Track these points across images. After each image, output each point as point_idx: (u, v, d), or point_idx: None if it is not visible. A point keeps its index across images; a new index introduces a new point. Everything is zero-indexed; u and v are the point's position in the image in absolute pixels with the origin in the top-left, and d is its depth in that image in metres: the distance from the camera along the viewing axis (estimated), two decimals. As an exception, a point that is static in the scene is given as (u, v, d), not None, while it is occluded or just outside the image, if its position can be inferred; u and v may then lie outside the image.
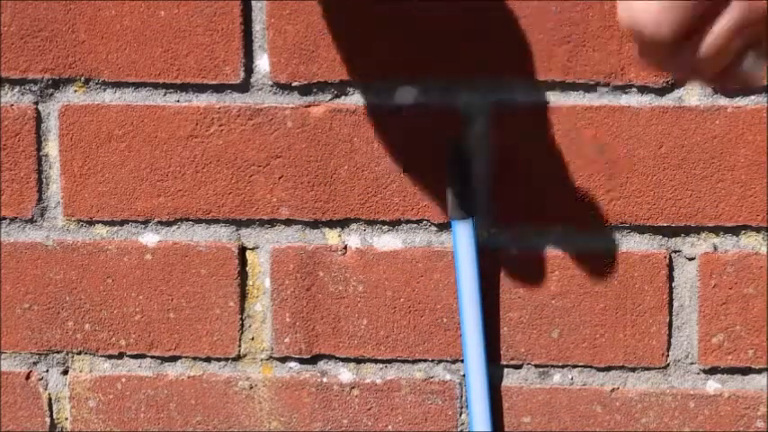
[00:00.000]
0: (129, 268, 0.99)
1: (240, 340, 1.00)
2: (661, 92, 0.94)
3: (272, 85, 0.95)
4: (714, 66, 0.68)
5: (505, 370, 0.98)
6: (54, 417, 1.02)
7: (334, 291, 0.98)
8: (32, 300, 1.00)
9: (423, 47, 0.94)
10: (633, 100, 0.94)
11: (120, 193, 0.98)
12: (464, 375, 0.99)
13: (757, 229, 0.95)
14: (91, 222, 0.99)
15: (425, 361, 0.99)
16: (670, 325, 0.97)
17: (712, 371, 0.98)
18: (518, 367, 0.98)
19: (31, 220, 0.99)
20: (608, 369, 0.98)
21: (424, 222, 0.96)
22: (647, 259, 0.96)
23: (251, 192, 0.97)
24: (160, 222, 0.98)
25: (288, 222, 0.98)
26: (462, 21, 0.93)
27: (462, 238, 0.93)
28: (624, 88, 0.94)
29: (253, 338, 1.00)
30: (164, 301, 0.99)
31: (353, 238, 0.98)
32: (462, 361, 0.98)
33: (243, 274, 0.99)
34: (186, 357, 1.00)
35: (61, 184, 0.98)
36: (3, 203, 0.99)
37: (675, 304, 0.97)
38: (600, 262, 0.96)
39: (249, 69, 0.95)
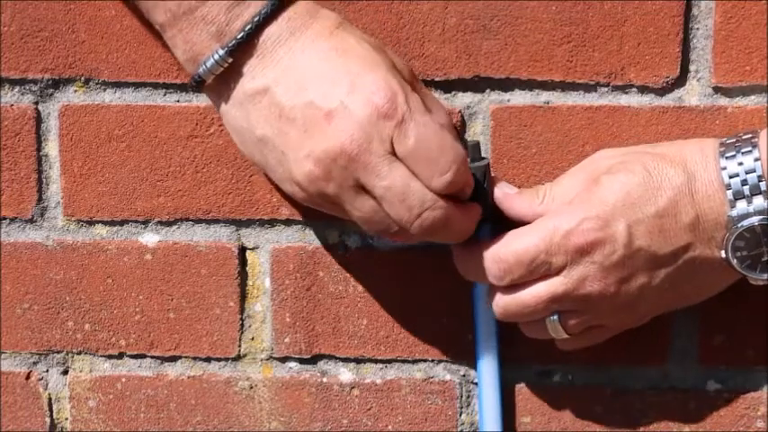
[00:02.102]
0: (129, 268, 0.99)
1: (240, 340, 1.00)
2: (661, 92, 0.94)
3: (272, 85, 0.95)
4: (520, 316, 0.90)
5: (506, 370, 0.98)
6: (54, 417, 1.02)
7: (334, 291, 0.98)
8: (32, 300, 1.00)
9: (423, 46, 0.94)
10: (633, 100, 0.94)
11: (120, 193, 0.98)
12: (465, 376, 0.99)
13: (757, 229, 0.95)
14: (91, 222, 0.99)
15: (425, 361, 0.99)
16: (670, 325, 0.97)
17: (712, 371, 0.98)
18: (518, 367, 0.98)
19: (31, 220, 0.99)
20: (608, 369, 0.98)
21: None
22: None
23: (251, 192, 0.97)
24: (160, 222, 0.98)
25: (288, 222, 0.98)
26: (463, 20, 0.93)
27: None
28: (624, 88, 0.94)
29: (253, 338, 1.00)
30: (164, 301, 0.99)
31: (353, 238, 0.98)
32: (462, 361, 0.98)
33: (243, 274, 0.99)
34: (186, 357, 1.00)
35: (61, 184, 0.98)
36: (3, 203, 0.99)
37: (675, 304, 0.97)
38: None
39: (249, 69, 0.95)
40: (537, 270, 0.87)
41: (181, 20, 0.85)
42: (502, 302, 0.89)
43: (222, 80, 0.86)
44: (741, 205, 0.84)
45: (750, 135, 0.86)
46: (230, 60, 0.85)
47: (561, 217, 0.86)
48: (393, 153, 0.84)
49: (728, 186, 0.85)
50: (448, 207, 0.85)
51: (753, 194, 0.84)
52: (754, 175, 0.84)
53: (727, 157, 0.85)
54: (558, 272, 0.87)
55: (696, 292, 0.90)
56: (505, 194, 0.90)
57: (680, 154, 0.86)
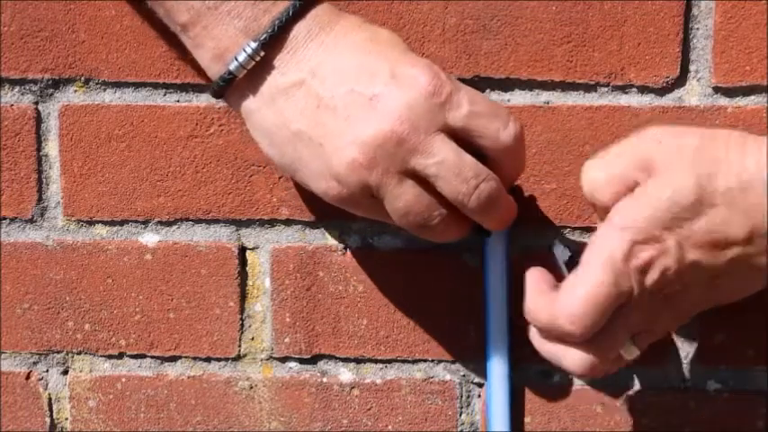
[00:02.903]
0: (129, 268, 0.99)
1: (240, 340, 1.00)
2: (661, 92, 0.94)
3: (272, 85, 0.95)
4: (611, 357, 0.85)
5: (505, 370, 0.98)
6: (54, 417, 1.02)
7: (334, 291, 0.98)
8: (32, 300, 1.00)
9: (423, 46, 0.94)
10: (633, 100, 0.94)
11: (120, 193, 0.98)
12: (465, 376, 0.99)
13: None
14: (91, 222, 0.99)
15: (425, 361, 0.99)
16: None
17: (712, 371, 0.98)
18: (518, 367, 0.98)
19: (31, 220, 0.99)
20: (608, 369, 0.98)
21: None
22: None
23: (251, 192, 0.97)
24: (160, 222, 0.98)
25: (288, 222, 0.98)
26: (462, 20, 0.93)
27: (494, 240, 0.93)
28: (624, 88, 0.94)
29: (253, 338, 1.00)
30: (164, 301, 0.99)
31: (353, 238, 0.98)
32: (462, 361, 0.98)
33: (243, 274, 0.99)
34: (186, 357, 1.00)
35: (61, 184, 0.98)
36: (3, 203, 0.99)
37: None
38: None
39: (249, 69, 0.95)
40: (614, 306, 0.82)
41: (205, 16, 0.84)
42: (582, 361, 0.84)
43: (252, 77, 0.85)
44: None
45: None
46: (262, 54, 0.84)
47: (613, 238, 0.81)
48: (442, 130, 0.83)
49: None
50: (499, 180, 0.84)
51: None
52: None
53: None
54: (628, 298, 0.82)
55: (745, 290, 0.86)
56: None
57: (736, 161, 0.80)
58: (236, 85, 0.86)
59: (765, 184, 0.79)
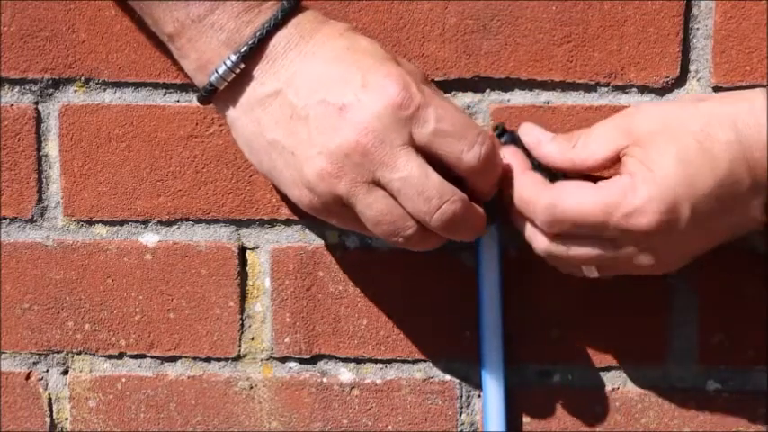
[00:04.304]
0: (129, 268, 0.99)
1: (240, 340, 1.00)
2: (661, 92, 0.94)
3: (272, 85, 0.95)
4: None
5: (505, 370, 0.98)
6: (54, 417, 1.02)
7: (334, 291, 0.98)
8: (32, 300, 1.00)
9: (423, 46, 0.94)
10: (633, 100, 0.94)
11: (120, 193, 0.98)
12: (465, 376, 0.99)
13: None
14: (91, 222, 0.99)
15: (425, 361, 0.99)
16: (670, 325, 0.97)
17: (712, 371, 0.98)
18: (518, 367, 0.98)
19: (31, 220, 0.99)
20: (608, 369, 0.98)
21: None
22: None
23: (251, 192, 0.97)
24: (160, 222, 0.98)
25: (288, 222, 0.98)
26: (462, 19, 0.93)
27: (487, 242, 0.93)
28: (624, 88, 0.94)
29: (253, 338, 1.00)
30: (164, 301, 0.99)
31: (353, 238, 0.98)
32: (462, 361, 0.98)
33: (243, 274, 0.99)
34: (186, 357, 1.00)
35: (61, 184, 0.98)
36: (3, 203, 0.99)
37: (675, 304, 0.97)
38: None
39: (249, 69, 0.95)
40: (586, 232, 0.85)
41: (189, 28, 0.85)
42: (544, 246, 0.87)
43: (233, 88, 0.86)
44: None
45: None
46: (242, 66, 0.85)
47: (623, 194, 0.83)
48: (410, 144, 0.83)
49: None
50: (466, 199, 0.84)
51: None
52: None
53: None
54: (608, 240, 0.84)
55: (730, 234, 0.87)
56: (538, 140, 0.88)
57: (729, 115, 0.82)
58: (218, 96, 0.87)
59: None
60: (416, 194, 0.83)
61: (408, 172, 0.82)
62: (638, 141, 0.84)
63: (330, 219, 0.88)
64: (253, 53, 0.84)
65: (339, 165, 0.82)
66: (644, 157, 0.83)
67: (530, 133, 0.89)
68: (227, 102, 0.87)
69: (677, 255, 0.86)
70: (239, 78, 0.85)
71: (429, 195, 0.83)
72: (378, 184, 0.83)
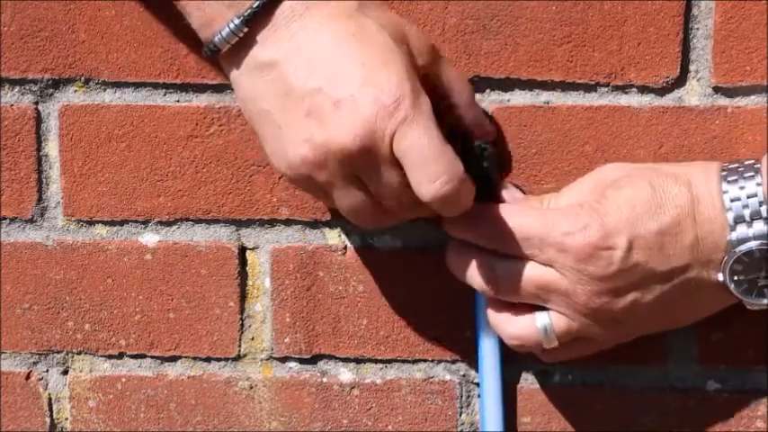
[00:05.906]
0: (129, 268, 0.99)
1: (240, 340, 1.00)
2: (661, 92, 0.94)
3: (272, 85, 0.95)
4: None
5: (506, 370, 0.98)
6: (54, 417, 1.02)
7: (334, 291, 0.98)
8: (32, 300, 1.00)
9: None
10: (633, 100, 0.94)
11: (120, 193, 0.98)
12: (465, 376, 0.99)
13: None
14: (91, 222, 0.99)
15: (425, 361, 0.99)
16: (670, 325, 0.97)
17: (712, 371, 0.98)
18: (518, 367, 0.98)
19: (31, 220, 0.99)
20: (608, 369, 0.98)
21: (424, 222, 0.96)
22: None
23: (251, 192, 0.97)
24: (160, 222, 0.98)
25: (288, 222, 0.98)
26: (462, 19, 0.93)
27: None
28: (624, 88, 0.94)
29: (253, 338, 1.00)
30: (164, 301, 0.99)
31: (353, 238, 0.98)
32: (462, 361, 0.98)
33: (243, 274, 0.99)
34: (186, 357, 1.00)
35: (61, 184, 0.98)
36: (3, 203, 0.99)
37: (675, 304, 0.97)
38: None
39: (249, 69, 0.95)
40: (526, 249, 0.87)
41: None
42: (495, 267, 0.89)
43: (235, 49, 0.86)
44: (741, 229, 0.85)
45: (753, 161, 0.87)
46: (245, 30, 0.84)
47: (564, 217, 0.87)
48: (391, 151, 0.83)
49: (729, 210, 0.85)
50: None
51: (753, 219, 0.85)
52: (756, 200, 0.85)
53: (729, 181, 0.85)
54: (548, 264, 0.87)
55: (688, 315, 0.90)
56: (513, 198, 0.91)
57: (685, 174, 0.87)
58: (222, 56, 0.86)
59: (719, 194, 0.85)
60: (393, 199, 0.85)
61: (386, 180, 0.84)
62: (603, 193, 0.88)
63: (308, 192, 0.89)
64: (257, 17, 0.84)
65: (322, 158, 0.83)
66: (599, 197, 0.87)
67: (505, 192, 0.92)
68: (230, 61, 0.86)
69: (632, 316, 0.89)
70: (242, 41, 0.85)
71: (405, 202, 0.85)
72: (356, 180, 0.85)
